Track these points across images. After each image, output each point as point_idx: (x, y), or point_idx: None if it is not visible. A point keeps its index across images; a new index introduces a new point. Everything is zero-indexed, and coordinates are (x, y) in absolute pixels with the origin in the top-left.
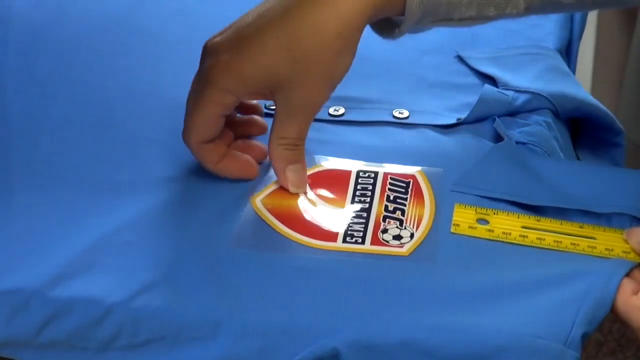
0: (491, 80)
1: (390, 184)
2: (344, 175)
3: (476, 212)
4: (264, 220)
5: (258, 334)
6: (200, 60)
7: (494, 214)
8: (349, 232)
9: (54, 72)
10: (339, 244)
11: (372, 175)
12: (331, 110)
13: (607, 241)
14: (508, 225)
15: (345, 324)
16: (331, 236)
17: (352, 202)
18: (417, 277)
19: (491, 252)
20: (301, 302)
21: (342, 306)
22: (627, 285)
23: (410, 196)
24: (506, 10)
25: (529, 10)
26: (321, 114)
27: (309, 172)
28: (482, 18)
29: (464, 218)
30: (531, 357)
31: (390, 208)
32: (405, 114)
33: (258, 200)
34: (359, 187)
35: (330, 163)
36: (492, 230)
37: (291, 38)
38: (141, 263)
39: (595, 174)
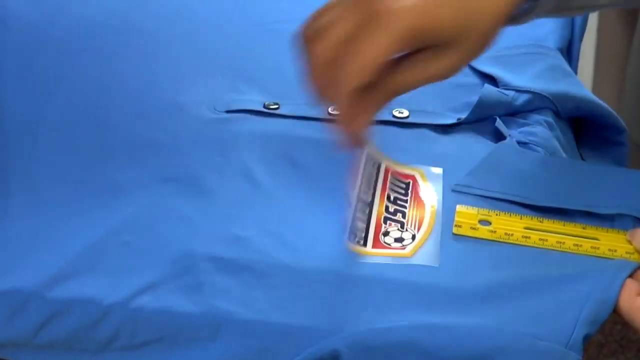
0: (492, 79)
1: (390, 182)
2: (358, 156)
3: (478, 213)
4: None
5: (258, 334)
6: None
7: (496, 214)
8: (352, 229)
9: (52, 72)
10: (344, 241)
11: (377, 166)
12: (330, 110)
13: (611, 242)
14: (510, 226)
15: (345, 324)
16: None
17: (360, 189)
18: (417, 277)
19: (493, 253)
20: (301, 303)
21: (342, 307)
22: (631, 286)
23: (411, 198)
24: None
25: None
26: (320, 113)
27: None
28: (595, 6)
29: (465, 219)
30: (532, 358)
31: (391, 209)
32: (405, 113)
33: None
34: (366, 173)
35: None
36: (494, 231)
37: (471, 3)
38: (139, 264)
39: (598, 174)
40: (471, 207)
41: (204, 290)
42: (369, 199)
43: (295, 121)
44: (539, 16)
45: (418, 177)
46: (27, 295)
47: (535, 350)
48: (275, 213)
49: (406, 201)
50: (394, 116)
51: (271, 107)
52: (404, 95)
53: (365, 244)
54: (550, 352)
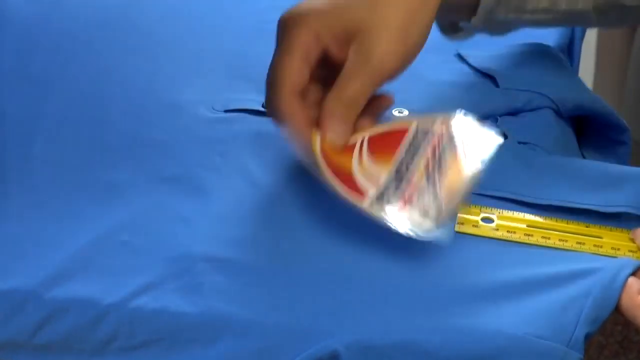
0: (491, 79)
1: (432, 152)
2: (401, 133)
3: (481, 211)
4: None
5: (258, 335)
6: (277, 28)
7: (499, 212)
8: (382, 194)
9: (49, 70)
10: (367, 201)
11: (429, 134)
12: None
13: (614, 240)
14: (513, 224)
15: (344, 325)
16: (361, 193)
17: (400, 163)
18: (418, 276)
19: (495, 251)
20: (301, 303)
21: (341, 307)
22: (633, 284)
23: (448, 164)
24: (578, 6)
25: (597, 10)
26: None
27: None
28: (553, 12)
29: (468, 217)
30: (533, 358)
31: (430, 168)
32: (405, 113)
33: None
34: (411, 147)
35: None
36: (497, 229)
37: None
38: (138, 263)
39: (601, 172)
40: (473, 205)
41: (203, 291)
42: (411, 166)
43: None
44: (482, 19)
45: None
46: (25, 295)
47: (536, 350)
48: (274, 213)
49: (441, 171)
50: (393, 115)
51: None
52: (404, 96)
53: (392, 202)
54: (551, 352)
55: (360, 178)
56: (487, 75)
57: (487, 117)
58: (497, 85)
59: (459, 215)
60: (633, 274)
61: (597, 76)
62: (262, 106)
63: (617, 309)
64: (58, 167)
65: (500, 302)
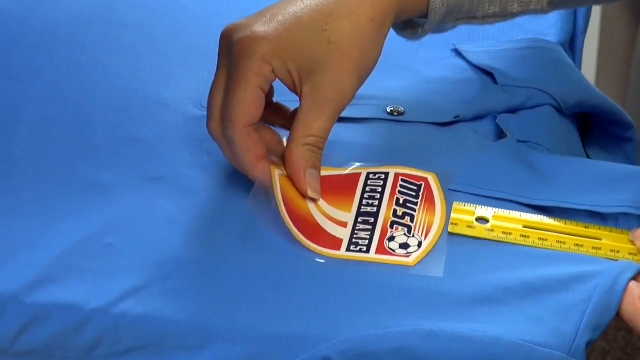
0: (490, 75)
1: (401, 186)
2: (353, 177)
3: (475, 211)
4: (274, 197)
5: (247, 342)
6: (222, 43)
7: (495, 212)
8: (353, 240)
9: (31, 67)
10: (342, 252)
11: (382, 176)
12: None
13: (613, 242)
14: (509, 224)
15: (337, 331)
16: (335, 243)
17: (360, 205)
18: (412, 281)
19: (490, 253)
20: (292, 309)
21: (334, 312)
22: (634, 289)
23: (421, 201)
24: (530, 7)
25: (553, 4)
26: None
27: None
28: (505, 15)
29: (462, 217)
30: None
31: (399, 213)
32: (401, 110)
33: (277, 173)
34: (367, 189)
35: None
36: (492, 230)
37: (327, 18)
38: (123, 267)
39: (601, 171)
40: (468, 205)
41: (190, 295)
42: (374, 210)
43: None
44: (433, 26)
45: (431, 180)
46: (5, 300)
47: (536, 358)
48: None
49: (416, 204)
50: (388, 113)
51: None
52: (400, 93)
53: (368, 251)
54: None
55: (324, 222)
56: (485, 72)
57: (485, 114)
58: (495, 82)
59: (452, 215)
60: (634, 278)
61: (599, 72)
62: None
63: (618, 315)
64: (39, 167)
65: (496, 307)
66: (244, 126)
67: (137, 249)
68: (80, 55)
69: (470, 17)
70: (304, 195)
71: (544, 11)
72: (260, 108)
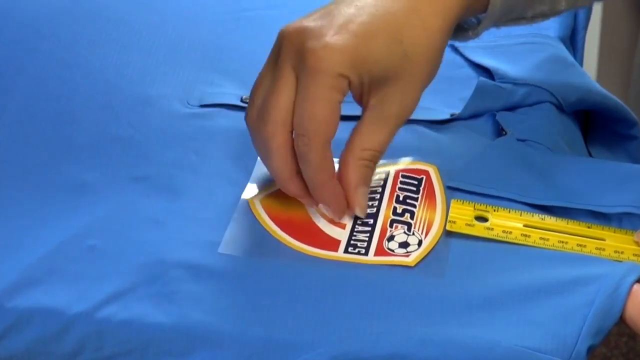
0: (487, 72)
1: (401, 182)
2: None
3: (475, 209)
4: (259, 222)
5: (235, 348)
6: (286, 46)
7: (494, 210)
8: (352, 242)
9: (10, 62)
10: (339, 254)
11: (383, 176)
12: None
13: (617, 243)
14: (509, 223)
15: (328, 336)
16: (332, 244)
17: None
18: (407, 285)
19: (489, 253)
20: (282, 313)
21: (325, 317)
22: (638, 292)
23: (422, 196)
24: (578, 2)
25: None
26: None
27: None
28: (554, 13)
29: (460, 214)
30: None
31: (399, 210)
32: None
33: (256, 200)
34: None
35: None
36: (492, 229)
37: (402, 28)
38: (107, 270)
39: (603, 170)
40: (467, 202)
41: (176, 300)
42: (374, 211)
43: None
44: (487, 28)
45: (432, 173)
46: None
47: None
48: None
49: (416, 199)
50: None
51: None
52: None
53: (366, 253)
54: None
55: (324, 224)
56: (482, 68)
57: (482, 112)
58: (492, 78)
59: (451, 213)
60: (638, 281)
61: (600, 68)
62: (241, 100)
63: (622, 319)
64: (20, 166)
65: (493, 311)
66: (323, 144)
67: (122, 251)
68: (63, 50)
69: (520, 18)
70: (349, 208)
71: (590, 3)
72: (337, 123)
